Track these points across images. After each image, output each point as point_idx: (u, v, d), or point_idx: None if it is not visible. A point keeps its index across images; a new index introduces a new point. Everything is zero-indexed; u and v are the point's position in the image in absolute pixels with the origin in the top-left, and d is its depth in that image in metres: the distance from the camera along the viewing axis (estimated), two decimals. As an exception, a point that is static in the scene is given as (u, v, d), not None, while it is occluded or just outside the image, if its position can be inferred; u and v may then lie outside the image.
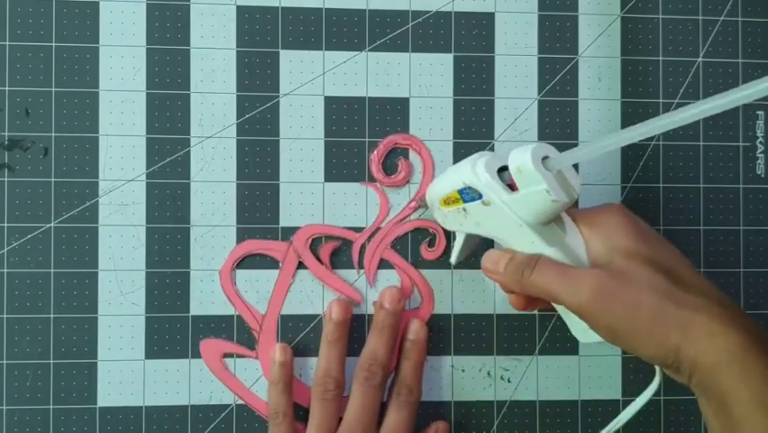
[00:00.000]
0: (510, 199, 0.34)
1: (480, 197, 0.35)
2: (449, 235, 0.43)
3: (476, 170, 0.35)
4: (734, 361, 0.30)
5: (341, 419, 0.40)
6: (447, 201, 0.37)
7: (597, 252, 0.34)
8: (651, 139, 0.44)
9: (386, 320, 0.41)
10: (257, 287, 0.42)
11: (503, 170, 0.35)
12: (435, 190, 0.39)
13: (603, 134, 0.31)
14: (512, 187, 0.34)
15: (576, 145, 0.44)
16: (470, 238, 0.39)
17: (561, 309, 0.37)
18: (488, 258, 0.37)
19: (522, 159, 0.32)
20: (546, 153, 0.33)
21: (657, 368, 0.35)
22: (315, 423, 0.39)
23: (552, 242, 0.34)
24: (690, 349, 0.30)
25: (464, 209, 0.36)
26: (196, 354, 0.42)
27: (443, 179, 0.38)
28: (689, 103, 0.44)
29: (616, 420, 0.38)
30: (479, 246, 0.41)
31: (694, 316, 0.31)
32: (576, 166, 0.34)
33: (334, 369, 0.40)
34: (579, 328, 0.36)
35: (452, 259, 0.40)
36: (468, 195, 0.36)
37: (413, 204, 0.43)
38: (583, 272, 0.33)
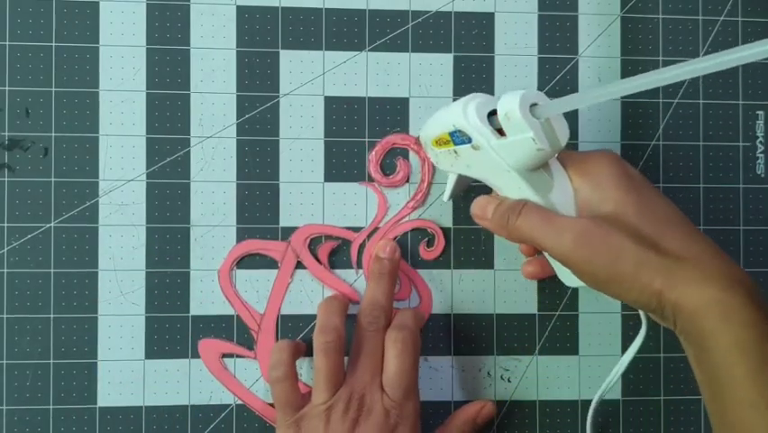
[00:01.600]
0: (498, 145, 0.34)
1: (470, 140, 0.35)
2: (448, 236, 0.43)
3: (467, 114, 0.34)
4: (715, 306, 0.30)
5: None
6: (439, 142, 0.37)
7: (585, 199, 0.34)
8: (651, 138, 0.44)
9: (383, 268, 0.41)
10: (256, 287, 0.42)
11: (493, 113, 0.34)
12: (427, 130, 0.38)
13: (594, 86, 0.30)
14: (502, 132, 0.34)
15: (576, 147, 0.44)
16: (462, 177, 0.39)
17: (548, 255, 0.37)
18: (476, 204, 0.37)
19: (510, 105, 0.32)
20: (535, 100, 0.33)
21: (643, 315, 0.36)
22: (322, 375, 0.38)
23: (539, 188, 0.34)
24: (671, 294, 0.30)
25: (455, 151, 0.36)
26: (196, 354, 0.42)
27: (435, 118, 0.38)
28: (689, 103, 0.44)
29: (609, 377, 0.39)
30: (470, 185, 0.41)
31: (677, 262, 0.31)
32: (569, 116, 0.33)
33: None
34: (565, 273, 0.36)
35: (445, 196, 0.40)
36: (458, 138, 0.35)
37: (405, 213, 0.43)
38: (567, 220, 0.33)
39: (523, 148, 0.33)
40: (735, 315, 0.29)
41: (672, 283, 0.30)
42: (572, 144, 0.44)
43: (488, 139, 0.34)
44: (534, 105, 0.32)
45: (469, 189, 0.42)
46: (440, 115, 0.37)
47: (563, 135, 0.33)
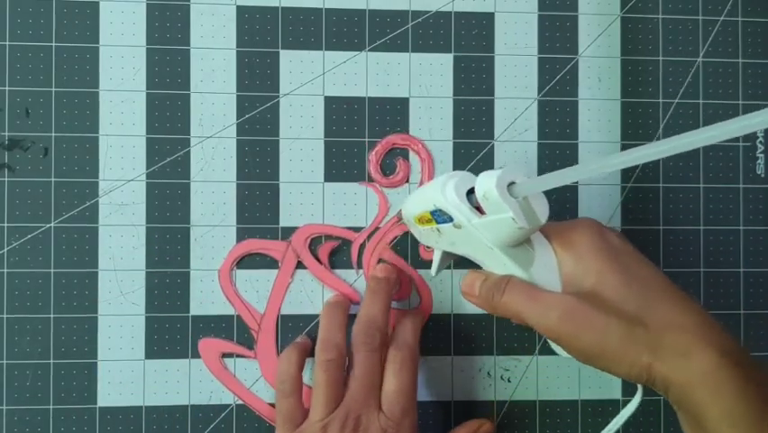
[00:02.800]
0: (479, 223, 0.34)
1: (452, 219, 0.35)
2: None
3: (445, 193, 0.34)
4: (705, 378, 0.30)
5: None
6: (421, 220, 0.37)
7: (569, 272, 0.34)
8: (651, 138, 0.44)
9: (380, 285, 0.40)
10: (257, 287, 0.42)
11: (472, 191, 0.34)
12: (409, 209, 0.38)
13: (569, 166, 0.30)
14: (481, 209, 0.34)
15: (576, 146, 0.44)
16: (447, 252, 0.39)
17: None
18: (464, 280, 0.37)
19: (487, 185, 0.32)
20: (513, 179, 0.32)
21: (639, 385, 0.35)
22: (321, 391, 0.38)
23: (523, 263, 0.34)
24: (661, 368, 0.30)
25: (438, 230, 0.36)
26: (196, 354, 0.42)
27: (416, 197, 0.38)
28: (689, 103, 0.44)
29: None
30: (458, 257, 0.40)
31: (664, 335, 0.31)
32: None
33: (337, 336, 0.39)
34: (556, 345, 0.36)
35: (432, 272, 0.40)
36: (440, 217, 0.35)
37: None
38: (552, 297, 0.33)
39: (503, 227, 0.33)
40: (724, 387, 0.29)
41: (660, 357, 0.30)
42: (572, 144, 0.44)
43: (468, 218, 0.34)
44: (511, 183, 0.32)
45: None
46: (420, 193, 0.37)
47: (543, 213, 0.33)
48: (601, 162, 0.29)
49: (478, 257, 0.36)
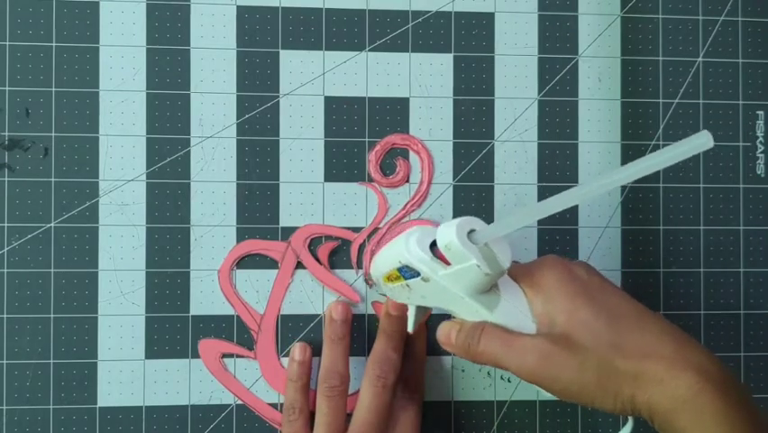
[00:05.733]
0: (446, 275, 0.34)
1: (419, 274, 0.35)
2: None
3: (409, 249, 0.35)
4: (686, 404, 0.30)
5: (349, 415, 0.40)
6: (390, 278, 0.37)
7: (540, 313, 0.34)
8: (651, 138, 0.44)
9: (394, 325, 0.41)
10: (257, 287, 0.42)
11: (435, 243, 0.34)
12: (377, 268, 0.39)
13: (518, 208, 0.31)
14: (446, 260, 0.34)
15: (576, 146, 0.44)
16: (421, 307, 0.39)
17: None
18: (440, 330, 0.37)
19: (448, 236, 0.32)
20: (472, 227, 0.33)
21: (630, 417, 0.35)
22: (324, 421, 0.39)
23: (494, 308, 0.34)
24: (643, 397, 0.30)
25: (407, 285, 0.36)
26: (196, 354, 0.42)
27: (381, 257, 0.38)
28: (689, 103, 0.44)
29: None
30: (431, 310, 0.41)
31: (642, 364, 0.31)
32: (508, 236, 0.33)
33: (340, 365, 0.40)
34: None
35: (409, 328, 0.39)
36: (407, 272, 0.36)
37: (404, 213, 0.43)
38: (528, 341, 0.33)
39: (469, 274, 0.33)
40: (706, 412, 0.29)
41: (640, 386, 0.30)
42: (572, 144, 0.44)
43: (434, 270, 0.34)
44: (471, 231, 0.33)
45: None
46: (385, 252, 0.38)
47: (505, 258, 0.33)
48: (547, 204, 0.30)
49: (450, 307, 0.36)
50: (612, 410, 0.32)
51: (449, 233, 0.32)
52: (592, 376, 0.31)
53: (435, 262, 0.34)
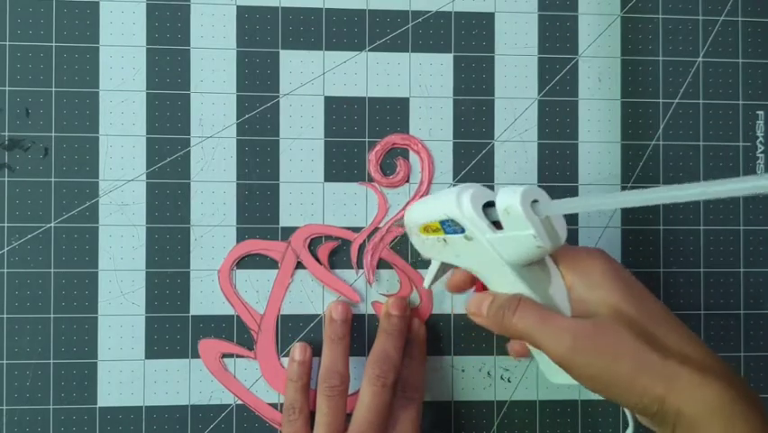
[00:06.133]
0: (494, 238, 0.33)
1: (463, 231, 0.34)
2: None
3: (461, 204, 0.34)
4: (718, 414, 0.30)
5: (349, 415, 0.40)
6: (427, 229, 0.36)
7: (580, 298, 0.34)
8: (651, 138, 0.44)
9: (395, 324, 0.41)
10: (257, 287, 0.42)
11: (488, 205, 0.34)
12: (415, 216, 0.38)
13: (601, 193, 0.30)
14: (496, 225, 0.33)
15: (576, 146, 0.44)
16: (444, 264, 0.38)
17: (533, 349, 0.36)
18: (471, 302, 0.36)
19: (511, 200, 0.32)
20: (536, 197, 0.32)
21: (630, 418, 0.35)
22: (324, 420, 0.39)
23: (532, 284, 0.34)
24: (675, 400, 0.30)
25: (444, 240, 0.35)
26: (196, 354, 0.42)
27: (424, 205, 0.37)
28: (689, 103, 0.44)
29: None
30: (451, 270, 0.40)
31: (680, 367, 0.30)
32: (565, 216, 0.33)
33: (340, 365, 0.40)
34: (550, 369, 0.36)
35: (426, 283, 0.39)
36: (450, 227, 0.35)
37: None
38: (566, 321, 0.33)
39: (522, 244, 0.32)
40: (737, 424, 0.29)
41: (675, 388, 0.30)
42: (572, 144, 0.44)
43: (483, 231, 0.33)
44: (534, 201, 0.32)
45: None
46: (429, 202, 0.37)
47: (563, 233, 0.33)
48: (629, 197, 0.29)
49: (484, 272, 0.35)
50: (634, 406, 0.32)
51: (512, 198, 0.31)
52: (627, 368, 0.31)
53: (485, 224, 0.33)
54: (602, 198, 0.30)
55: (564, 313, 0.34)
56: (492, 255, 0.34)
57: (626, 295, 0.33)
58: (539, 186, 0.43)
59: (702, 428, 0.30)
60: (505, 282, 0.34)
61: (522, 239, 0.32)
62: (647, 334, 0.32)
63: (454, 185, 0.43)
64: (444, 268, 0.38)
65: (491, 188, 0.43)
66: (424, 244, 0.38)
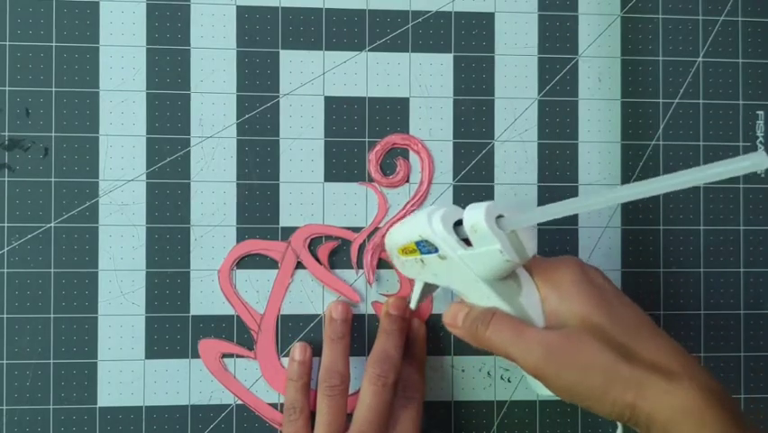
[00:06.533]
0: (465, 255, 0.34)
1: (437, 250, 0.35)
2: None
3: (432, 224, 0.35)
4: (689, 418, 0.30)
5: (349, 415, 0.40)
6: (405, 251, 0.37)
7: (552, 309, 0.34)
8: (651, 138, 0.44)
9: (395, 324, 0.41)
10: (257, 287, 0.42)
11: (459, 223, 0.34)
12: (393, 239, 0.39)
13: (560, 201, 0.31)
14: (467, 242, 0.34)
15: (576, 146, 0.44)
16: (428, 284, 0.39)
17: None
18: (447, 312, 0.37)
19: (476, 217, 0.32)
20: (501, 212, 0.33)
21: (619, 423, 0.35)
22: (324, 420, 0.39)
23: (507, 297, 0.34)
24: (644, 405, 0.30)
25: (422, 260, 0.36)
26: (196, 354, 0.42)
27: (400, 228, 0.38)
28: (689, 103, 0.44)
29: None
30: (438, 289, 0.41)
31: (649, 374, 0.31)
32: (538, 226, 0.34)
33: (340, 364, 0.40)
34: (536, 383, 0.36)
35: (412, 304, 0.40)
36: (424, 247, 0.36)
37: (404, 213, 0.43)
38: (537, 333, 0.33)
39: (491, 259, 0.33)
40: (708, 426, 0.30)
41: (644, 395, 0.30)
42: (572, 144, 0.44)
43: (454, 249, 0.34)
44: (500, 216, 0.32)
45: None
46: (405, 224, 0.38)
47: (531, 246, 0.33)
48: (587, 201, 0.30)
49: (461, 289, 0.36)
50: (607, 415, 0.32)
51: (477, 214, 0.32)
52: (597, 378, 0.31)
53: (457, 242, 0.34)
54: (561, 205, 0.31)
55: (538, 325, 0.34)
56: (466, 272, 0.34)
57: (596, 304, 0.33)
58: (537, 186, 0.43)
59: (672, 431, 0.30)
60: (481, 297, 0.35)
61: (490, 254, 0.33)
62: (617, 343, 0.32)
63: (453, 185, 0.43)
64: (428, 288, 0.39)
65: (491, 188, 0.43)
66: (404, 266, 0.39)
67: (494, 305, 0.35)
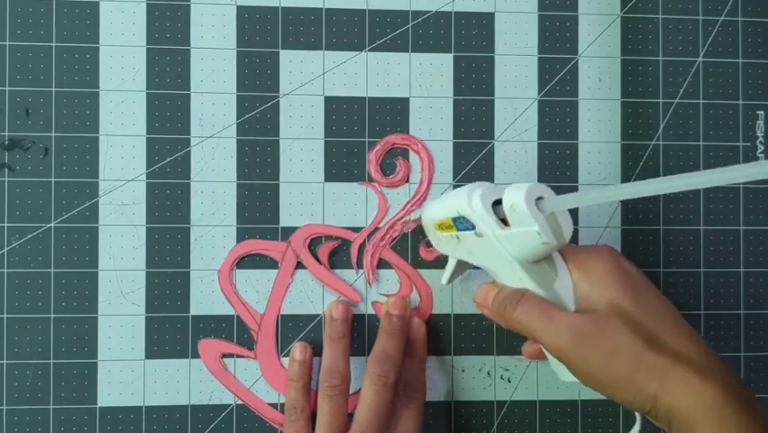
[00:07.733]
0: (502, 235, 0.34)
1: (474, 227, 0.35)
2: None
3: (471, 202, 0.35)
4: (710, 413, 0.30)
5: (350, 415, 0.40)
6: (441, 226, 0.37)
7: (583, 295, 0.34)
8: (651, 138, 0.44)
9: (396, 324, 0.41)
10: (257, 287, 0.42)
11: (498, 203, 0.34)
12: (430, 214, 0.39)
13: (602, 186, 0.31)
14: (505, 222, 0.34)
15: (576, 146, 0.44)
16: (462, 262, 0.39)
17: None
18: (478, 291, 0.37)
19: (516, 197, 0.32)
20: (541, 194, 0.33)
21: (638, 416, 0.35)
22: (325, 420, 0.39)
23: (539, 280, 0.34)
24: (666, 398, 0.30)
25: (457, 237, 0.36)
26: (196, 354, 0.42)
27: (439, 203, 0.38)
28: (689, 103, 0.44)
29: None
30: (472, 269, 0.41)
31: (674, 365, 0.31)
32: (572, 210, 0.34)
33: (340, 364, 0.40)
34: (559, 367, 0.36)
35: (444, 280, 0.40)
36: (462, 224, 0.36)
37: (404, 213, 0.43)
38: (566, 316, 0.33)
39: (527, 240, 0.33)
40: (729, 423, 0.30)
41: (667, 387, 0.31)
42: (572, 144, 0.44)
43: (491, 228, 0.34)
44: (539, 198, 0.33)
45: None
46: (444, 200, 0.38)
47: (568, 230, 0.34)
48: (629, 188, 0.29)
49: (494, 269, 0.36)
50: (629, 404, 0.32)
51: (517, 195, 0.32)
52: (622, 365, 0.31)
53: (495, 221, 0.34)
54: (603, 190, 0.31)
55: (569, 309, 0.34)
56: (501, 252, 0.34)
57: (625, 291, 0.33)
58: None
59: (695, 427, 0.30)
60: (513, 278, 0.35)
61: (527, 235, 0.33)
62: (644, 330, 0.32)
63: (454, 185, 0.43)
64: (460, 266, 0.39)
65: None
66: (439, 241, 0.39)
67: (526, 287, 0.35)
